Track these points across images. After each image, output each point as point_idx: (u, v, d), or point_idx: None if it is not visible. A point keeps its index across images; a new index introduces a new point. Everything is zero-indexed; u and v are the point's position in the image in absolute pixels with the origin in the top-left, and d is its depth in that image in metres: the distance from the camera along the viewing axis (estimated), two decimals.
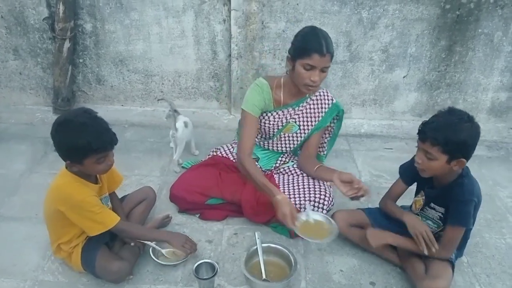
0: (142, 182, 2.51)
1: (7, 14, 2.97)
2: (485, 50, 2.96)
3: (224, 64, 3.13)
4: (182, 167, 2.64)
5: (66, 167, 1.75)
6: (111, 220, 1.76)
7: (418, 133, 1.74)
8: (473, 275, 1.99)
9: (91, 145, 1.61)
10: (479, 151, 2.96)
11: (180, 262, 1.94)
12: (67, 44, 2.96)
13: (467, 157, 1.70)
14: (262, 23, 2.92)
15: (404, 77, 3.10)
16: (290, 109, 2.22)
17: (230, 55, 3.06)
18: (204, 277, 1.82)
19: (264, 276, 1.83)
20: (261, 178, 2.01)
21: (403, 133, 3.18)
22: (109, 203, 1.93)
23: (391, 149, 3.01)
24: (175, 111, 2.59)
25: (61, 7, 2.84)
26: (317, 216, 1.99)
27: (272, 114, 2.24)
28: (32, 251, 2.01)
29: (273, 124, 2.25)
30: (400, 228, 2.00)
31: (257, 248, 1.92)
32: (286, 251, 1.95)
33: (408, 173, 1.96)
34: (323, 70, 1.99)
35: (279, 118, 2.24)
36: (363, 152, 2.97)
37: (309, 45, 1.95)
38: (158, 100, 3.01)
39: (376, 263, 2.03)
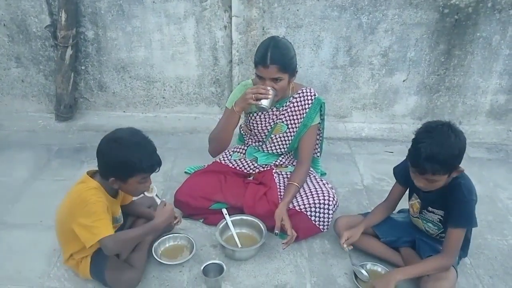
0: None
1: (9, 22, 2.99)
2: (484, 53, 2.99)
3: (226, 70, 3.15)
4: (185, 172, 2.66)
5: (88, 173, 1.76)
6: (105, 230, 1.66)
7: (412, 166, 1.71)
8: (476, 277, 2.01)
9: (141, 164, 1.66)
10: (479, 153, 3.03)
11: (182, 261, 1.97)
12: (69, 52, 2.98)
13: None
14: (263, 29, 2.95)
15: (404, 81, 3.13)
16: (275, 109, 2.24)
17: (231, 61, 3.08)
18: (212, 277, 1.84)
19: (239, 245, 2.05)
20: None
21: (404, 136, 3.20)
22: (121, 220, 1.94)
23: (392, 152, 3.03)
24: None
25: (63, 15, 2.86)
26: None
27: (258, 114, 2.27)
28: (38, 258, 2.02)
29: (262, 125, 2.28)
30: (409, 235, 2.01)
31: (226, 222, 2.12)
32: (256, 221, 2.14)
33: (402, 175, 1.96)
34: (275, 80, 2.00)
35: (265, 119, 2.26)
36: (365, 156, 2.99)
37: (256, 56, 2.01)
38: None
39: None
